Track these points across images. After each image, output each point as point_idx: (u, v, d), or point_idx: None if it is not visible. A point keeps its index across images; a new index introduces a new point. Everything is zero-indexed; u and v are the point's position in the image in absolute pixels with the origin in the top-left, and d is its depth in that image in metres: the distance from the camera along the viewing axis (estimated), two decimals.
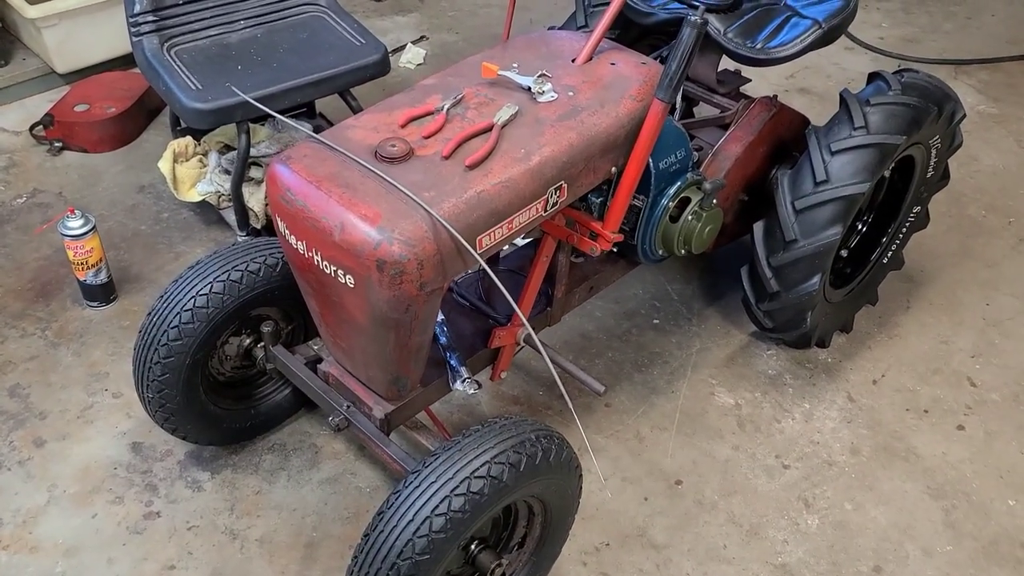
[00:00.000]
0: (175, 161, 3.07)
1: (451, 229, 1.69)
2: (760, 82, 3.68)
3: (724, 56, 2.52)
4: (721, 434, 2.55)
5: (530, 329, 1.82)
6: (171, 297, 2.11)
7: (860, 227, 2.82)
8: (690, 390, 2.66)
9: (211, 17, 2.95)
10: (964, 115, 2.62)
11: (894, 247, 2.82)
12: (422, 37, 4.31)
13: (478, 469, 1.71)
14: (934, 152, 2.62)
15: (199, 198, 3.03)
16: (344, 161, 1.78)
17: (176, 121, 3.18)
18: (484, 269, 1.72)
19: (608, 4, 2.05)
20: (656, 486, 2.40)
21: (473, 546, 1.88)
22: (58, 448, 2.43)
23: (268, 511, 2.31)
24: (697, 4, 1.87)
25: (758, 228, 2.52)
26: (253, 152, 2.92)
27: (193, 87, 2.72)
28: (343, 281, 1.76)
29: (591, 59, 2.07)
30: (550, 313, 2.39)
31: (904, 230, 2.80)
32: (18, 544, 2.22)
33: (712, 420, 2.58)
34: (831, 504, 2.39)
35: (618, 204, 2.07)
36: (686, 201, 2.29)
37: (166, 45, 2.86)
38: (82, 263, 2.72)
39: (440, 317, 2.16)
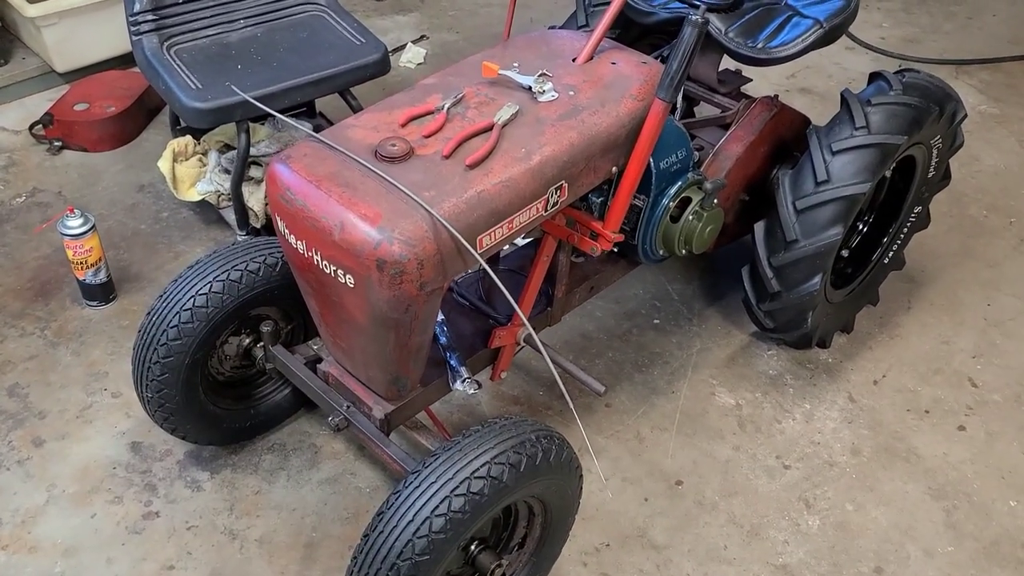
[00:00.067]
0: (175, 160, 3.07)
1: (451, 229, 1.68)
2: (761, 82, 3.67)
3: (725, 56, 2.52)
4: (722, 434, 2.54)
5: (530, 329, 1.81)
6: (170, 297, 2.10)
7: (861, 227, 2.82)
8: (691, 390, 2.66)
9: (211, 16, 2.95)
10: (965, 115, 2.61)
11: (895, 247, 2.81)
12: (422, 36, 4.30)
13: (478, 469, 1.71)
14: (935, 152, 2.61)
15: (199, 197, 3.02)
16: (344, 160, 1.77)
17: (176, 120, 3.17)
18: (484, 269, 1.72)
19: (609, 3, 2.05)
20: (656, 486, 2.40)
21: (473, 546, 1.87)
22: (57, 448, 2.43)
23: (268, 511, 2.30)
24: (698, 3, 1.86)
25: (759, 228, 2.52)
26: (253, 151, 2.92)
27: (193, 86, 2.72)
28: (343, 281, 1.75)
29: (592, 58, 2.06)
30: (550, 313, 2.38)
31: (905, 230, 2.80)
32: (17, 544, 2.21)
33: (713, 420, 2.58)
34: (832, 505, 2.38)
35: (619, 204, 2.07)
36: (687, 201, 2.29)
37: (166, 44, 2.85)
38: (81, 262, 2.72)
39: (440, 317, 2.16)
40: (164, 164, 3.05)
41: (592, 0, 2.60)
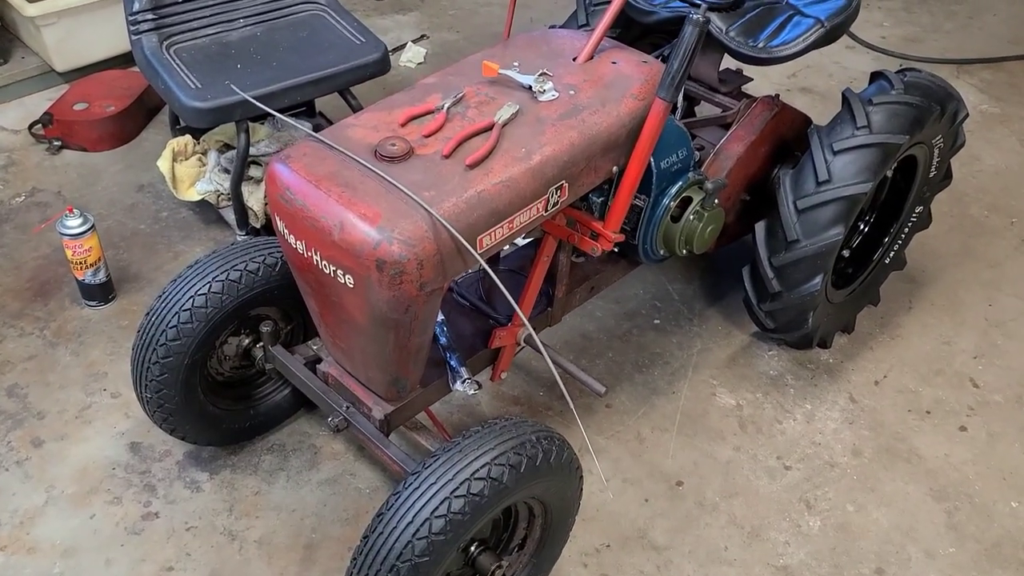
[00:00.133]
0: (174, 160, 3.06)
1: (451, 229, 1.68)
2: (762, 81, 3.67)
3: (726, 55, 2.51)
4: (722, 435, 2.54)
5: (531, 329, 1.81)
6: (170, 297, 2.10)
7: (862, 227, 2.81)
8: (691, 391, 2.65)
9: (210, 15, 2.94)
10: (967, 114, 2.61)
11: (896, 247, 2.81)
12: (422, 36, 4.30)
13: (478, 471, 1.70)
14: (936, 152, 2.61)
15: (198, 197, 3.02)
16: (344, 160, 1.77)
17: (175, 120, 3.17)
18: (484, 269, 1.71)
19: (609, 2, 2.04)
20: (657, 487, 2.39)
21: (473, 548, 1.87)
22: (56, 448, 2.42)
23: (267, 512, 2.30)
24: (699, 3, 1.86)
25: (760, 228, 2.51)
26: (252, 151, 2.92)
27: (192, 86, 2.71)
28: (342, 281, 1.75)
29: (592, 58, 2.06)
30: (551, 313, 2.38)
31: (906, 230, 2.79)
32: (16, 545, 2.21)
33: (713, 421, 2.57)
34: (833, 506, 2.38)
35: (619, 204, 2.06)
36: (688, 201, 2.28)
37: (165, 43, 2.85)
38: (81, 262, 2.71)
39: (440, 317, 2.15)
40: (164, 164, 3.04)
41: None
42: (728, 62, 2.61)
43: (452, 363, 2.12)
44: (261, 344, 2.24)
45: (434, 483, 1.69)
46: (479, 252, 1.77)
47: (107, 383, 2.59)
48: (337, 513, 2.30)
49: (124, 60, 3.70)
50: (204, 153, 3.11)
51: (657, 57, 2.22)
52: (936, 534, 2.33)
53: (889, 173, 2.63)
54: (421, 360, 1.97)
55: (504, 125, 1.86)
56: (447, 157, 1.79)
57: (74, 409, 2.52)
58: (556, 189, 1.90)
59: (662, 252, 2.36)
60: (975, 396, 2.69)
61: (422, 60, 4.11)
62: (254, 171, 2.97)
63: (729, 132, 2.55)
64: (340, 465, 2.41)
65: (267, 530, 2.26)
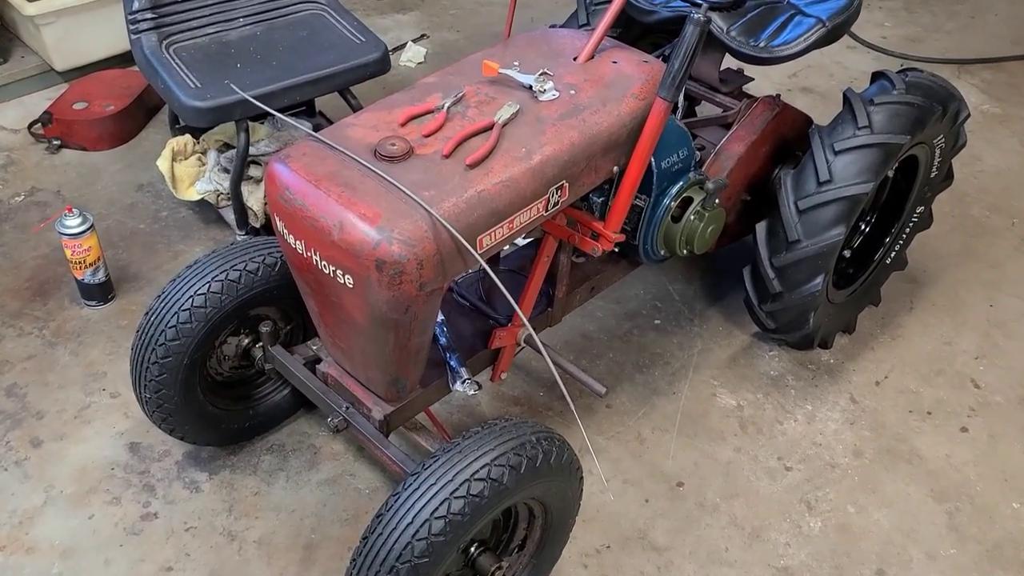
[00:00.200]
0: (174, 159, 3.06)
1: (451, 229, 1.67)
2: (762, 81, 3.66)
3: (727, 55, 2.50)
4: (723, 436, 2.53)
5: (531, 330, 1.80)
6: (169, 297, 2.09)
7: (863, 227, 2.81)
8: (692, 391, 2.65)
9: (210, 15, 2.94)
10: (968, 115, 2.60)
11: (897, 247, 2.80)
12: (423, 35, 4.29)
13: (478, 471, 1.70)
14: (938, 152, 2.60)
15: (198, 197, 3.01)
16: (343, 160, 1.76)
17: (175, 119, 3.16)
18: (484, 269, 1.71)
19: (610, 2, 2.04)
20: (657, 488, 2.39)
21: (473, 549, 1.86)
22: (55, 448, 2.42)
23: (266, 512, 2.29)
24: (700, 2, 1.85)
25: (761, 228, 2.50)
26: (252, 151, 2.91)
27: (192, 85, 2.71)
28: (342, 281, 1.74)
29: (593, 57, 2.05)
30: (551, 313, 2.37)
31: (907, 230, 2.79)
32: (14, 545, 2.20)
33: (714, 422, 2.56)
34: (834, 507, 2.37)
35: (620, 204, 2.06)
36: (688, 201, 2.28)
37: (165, 43, 2.84)
38: (80, 262, 2.71)
39: (440, 317, 2.14)
40: (163, 163, 3.04)
41: None
42: (729, 62, 2.60)
43: (452, 363, 2.12)
44: (260, 344, 2.23)
45: (434, 484, 1.69)
46: (479, 252, 1.77)
47: (106, 383, 2.58)
48: (337, 514, 2.29)
49: (124, 59, 3.70)
50: (204, 153, 3.10)
51: (658, 57, 2.21)
52: (937, 535, 2.32)
53: (890, 173, 2.62)
54: (421, 360, 1.96)
55: (504, 125, 1.86)
56: (447, 157, 1.78)
57: (73, 409, 2.52)
58: (556, 189, 1.89)
59: (663, 252, 2.35)
60: (976, 397, 2.68)
61: (422, 60, 4.10)
62: (254, 171, 2.96)
63: (730, 132, 2.55)
64: (340, 465, 2.41)
65: (266, 530, 2.25)
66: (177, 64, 2.78)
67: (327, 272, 1.76)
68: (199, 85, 2.71)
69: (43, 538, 2.22)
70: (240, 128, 2.79)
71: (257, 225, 2.95)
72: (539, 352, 2.03)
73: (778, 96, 2.61)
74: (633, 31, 2.68)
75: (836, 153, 2.35)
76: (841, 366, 2.75)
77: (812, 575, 2.22)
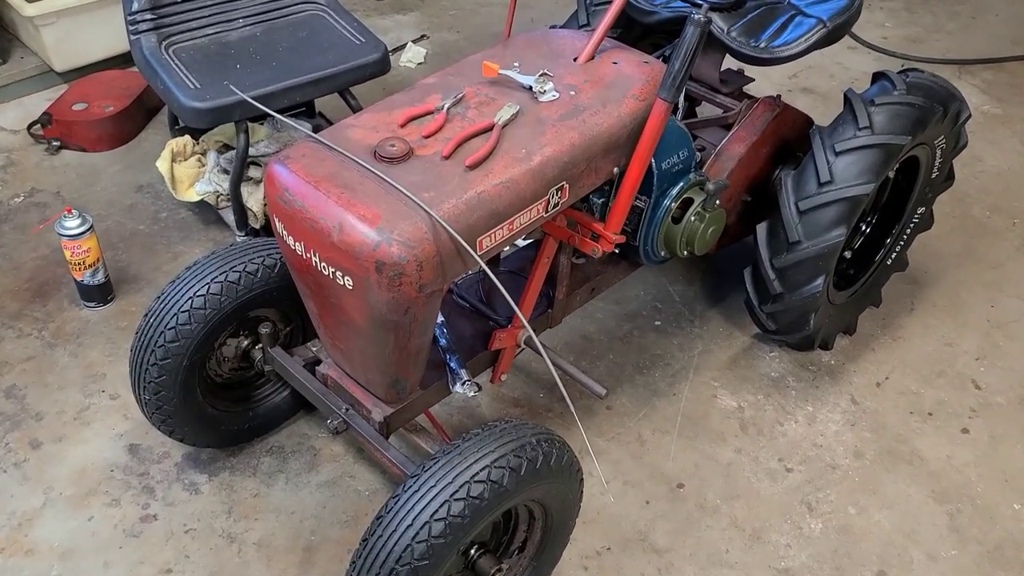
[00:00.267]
0: (173, 160, 3.05)
1: (451, 230, 1.67)
2: (763, 82, 3.66)
3: (727, 55, 2.50)
4: (723, 437, 2.52)
5: (531, 331, 1.80)
6: (168, 298, 2.09)
7: (864, 228, 2.80)
8: (692, 392, 2.64)
9: (210, 15, 2.94)
10: (969, 115, 2.59)
11: (898, 248, 2.80)
12: (423, 36, 4.29)
13: (478, 473, 1.69)
14: (939, 152, 2.60)
15: (197, 198, 3.01)
16: (343, 161, 1.76)
17: (174, 120, 3.16)
18: (484, 270, 1.70)
19: (610, 3, 2.03)
20: (658, 489, 2.38)
21: (473, 551, 1.86)
22: (54, 450, 2.41)
23: (266, 514, 2.29)
24: (700, 3, 1.85)
25: (761, 229, 2.50)
26: (252, 151, 2.91)
27: (191, 86, 2.70)
28: (341, 283, 1.74)
29: (593, 58, 2.05)
30: (551, 315, 2.37)
31: (908, 231, 2.78)
32: (13, 547, 2.20)
33: (714, 423, 2.56)
34: (834, 508, 2.37)
35: (620, 205, 2.05)
36: (689, 202, 2.27)
37: (164, 43, 2.84)
38: (79, 263, 2.70)
39: (440, 319, 2.14)
40: (163, 164, 3.03)
41: None
42: (729, 62, 2.60)
43: (452, 365, 2.11)
44: (260, 346, 2.23)
45: (434, 486, 1.68)
46: (479, 254, 1.76)
47: (106, 384, 2.58)
48: (336, 515, 2.29)
49: (123, 60, 3.70)
50: (203, 153, 3.10)
51: (658, 57, 2.21)
52: (938, 536, 2.32)
53: (891, 174, 2.62)
54: (421, 362, 1.96)
55: (504, 126, 1.85)
56: (447, 158, 1.78)
57: (72, 410, 2.51)
58: (556, 190, 1.89)
59: (663, 253, 2.35)
60: (977, 398, 2.68)
61: (422, 60, 4.10)
62: (253, 172, 2.96)
63: (730, 133, 2.54)
64: (339, 467, 2.40)
65: (266, 532, 2.25)
66: (176, 65, 2.78)
67: (326, 273, 1.76)
68: (198, 86, 2.70)
69: (42, 540, 2.21)
70: (240, 129, 2.79)
71: (257, 226, 2.95)
72: (539, 353, 2.02)
73: (779, 97, 2.61)
74: (633, 32, 2.68)
75: (837, 154, 2.35)
76: (842, 367, 2.75)
77: None
